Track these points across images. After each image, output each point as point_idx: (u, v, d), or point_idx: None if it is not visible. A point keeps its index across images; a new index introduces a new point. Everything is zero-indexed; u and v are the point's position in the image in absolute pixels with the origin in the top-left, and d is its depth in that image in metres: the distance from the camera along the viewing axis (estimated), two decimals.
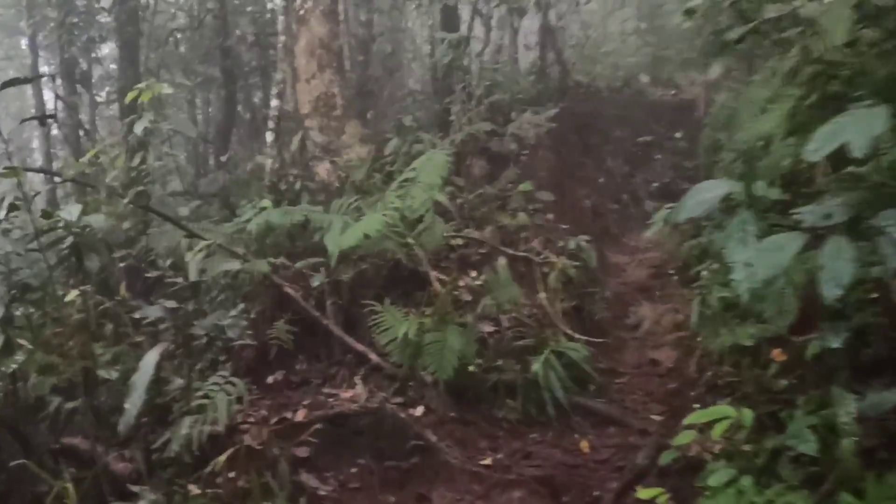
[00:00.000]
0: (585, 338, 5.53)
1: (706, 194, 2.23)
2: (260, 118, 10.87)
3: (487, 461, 4.38)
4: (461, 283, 5.78)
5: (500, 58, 9.57)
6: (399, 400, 4.85)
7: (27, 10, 10.82)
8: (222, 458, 3.57)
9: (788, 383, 3.23)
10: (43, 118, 7.57)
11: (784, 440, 2.64)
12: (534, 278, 6.04)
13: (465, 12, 9.50)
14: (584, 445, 4.55)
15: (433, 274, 5.79)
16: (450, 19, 9.22)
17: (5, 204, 4.42)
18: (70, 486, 3.45)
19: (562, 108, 8.64)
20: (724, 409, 2.71)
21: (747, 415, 2.64)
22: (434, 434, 4.51)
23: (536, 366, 5.00)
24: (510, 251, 6.25)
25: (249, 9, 11.12)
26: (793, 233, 1.88)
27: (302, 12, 7.94)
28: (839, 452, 2.42)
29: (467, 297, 5.73)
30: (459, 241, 6.34)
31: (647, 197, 9.09)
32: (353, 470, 4.25)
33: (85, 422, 4.61)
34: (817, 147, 1.92)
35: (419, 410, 4.76)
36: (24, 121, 6.15)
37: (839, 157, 2.19)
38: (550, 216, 7.05)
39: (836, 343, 2.41)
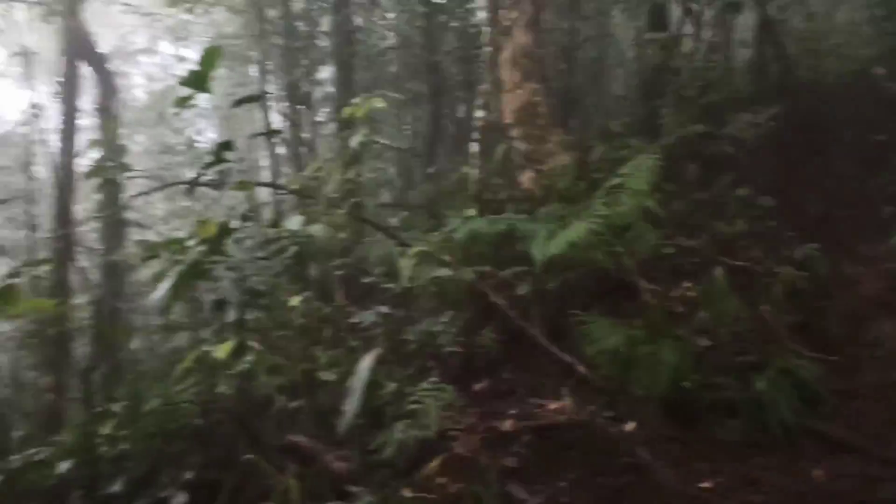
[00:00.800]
0: (815, 355, 5.04)
1: None
2: (465, 130, 11.10)
3: (706, 484, 4.08)
4: (674, 294, 5.49)
5: (713, 57, 9.07)
6: (609, 414, 4.67)
7: (257, 40, 11.81)
8: (434, 463, 3.61)
9: None
10: (269, 133, 8.22)
11: None
12: (755, 290, 5.60)
13: (674, 12, 9.10)
14: (817, 474, 4.11)
15: (643, 284, 5.56)
16: (658, 20, 8.88)
17: (239, 215, 4.80)
18: (294, 481, 3.63)
19: (783, 107, 7.99)
20: None
21: None
22: (647, 452, 4.29)
23: (760, 384, 4.61)
24: (727, 260, 5.85)
25: (455, 24, 11.40)
26: None
27: (506, 24, 8.00)
28: None
29: (680, 309, 5.42)
30: (671, 250, 6.04)
31: (883, 202, 8.16)
32: (563, 484, 4.12)
33: (306, 421, 4.87)
34: None
35: (630, 426, 4.55)
36: (253, 136, 6.69)
37: None
38: (772, 223, 6.53)
39: None
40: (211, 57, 4.01)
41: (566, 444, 4.40)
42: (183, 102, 4.21)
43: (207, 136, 18.79)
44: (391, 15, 12.38)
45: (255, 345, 5.01)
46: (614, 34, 11.11)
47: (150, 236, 10.66)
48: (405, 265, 5.22)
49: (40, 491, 5.00)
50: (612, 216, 5.38)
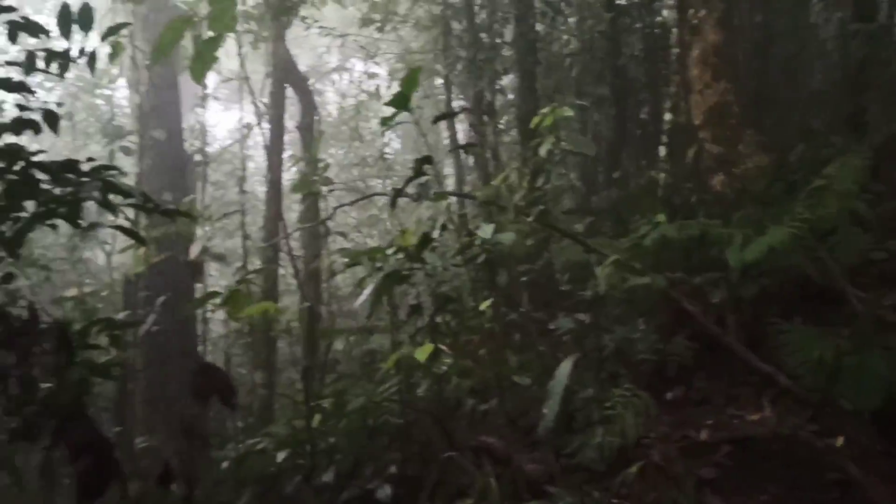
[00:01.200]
0: None
1: None
2: (650, 133, 10.88)
3: None
4: (886, 302, 5.14)
5: None
6: (813, 428, 4.45)
7: (442, 53, 12.23)
8: (632, 469, 3.63)
9: None
10: (467, 147, 8.49)
11: None
12: None
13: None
14: None
15: (851, 291, 5.24)
16: (865, 9, 8.27)
17: (436, 224, 5.06)
18: (493, 480, 3.78)
19: None
20: None
21: None
22: (857, 468, 4.06)
23: None
24: None
25: (639, 25, 11.21)
26: None
27: (695, 22, 7.79)
28: None
29: (893, 318, 5.07)
30: (881, 255, 5.64)
31: None
32: (764, 497, 4.00)
33: (497, 423, 5.03)
34: None
35: (838, 441, 4.31)
36: (451, 150, 6.97)
37: None
38: None
39: None
40: (412, 78, 4.27)
41: (767, 457, 4.25)
42: (388, 121, 4.51)
43: (394, 147, 19.70)
44: (573, 20, 12.37)
45: (445, 348, 5.25)
46: (814, 26, 10.44)
47: (346, 244, 11.36)
48: (602, 272, 5.24)
49: (260, 477, 5.52)
50: (814, 219, 5.13)
